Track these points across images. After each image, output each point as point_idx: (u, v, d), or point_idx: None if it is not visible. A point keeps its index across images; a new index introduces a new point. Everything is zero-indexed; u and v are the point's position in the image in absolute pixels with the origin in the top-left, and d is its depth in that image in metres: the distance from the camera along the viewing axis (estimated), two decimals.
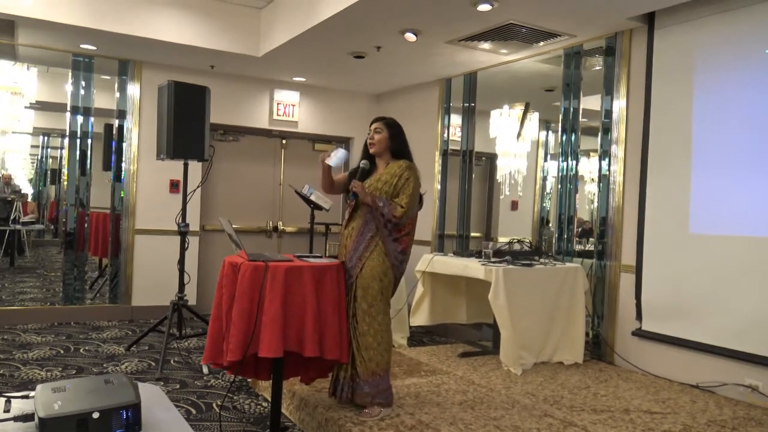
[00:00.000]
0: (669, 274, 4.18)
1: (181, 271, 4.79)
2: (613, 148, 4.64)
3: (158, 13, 5.36)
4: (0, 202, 6.54)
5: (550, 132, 5.81)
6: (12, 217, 6.54)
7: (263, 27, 5.71)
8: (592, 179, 5.04)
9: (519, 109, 5.74)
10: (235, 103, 6.66)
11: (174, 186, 6.24)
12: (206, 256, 6.54)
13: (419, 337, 5.60)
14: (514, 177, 5.73)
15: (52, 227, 7.26)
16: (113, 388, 1.47)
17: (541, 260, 4.72)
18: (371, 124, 3.43)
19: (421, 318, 4.95)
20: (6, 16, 4.87)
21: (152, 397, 1.65)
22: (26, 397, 1.56)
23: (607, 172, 4.68)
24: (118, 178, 6.18)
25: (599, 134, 4.76)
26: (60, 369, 4.31)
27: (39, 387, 1.47)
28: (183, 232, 4.77)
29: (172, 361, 4.61)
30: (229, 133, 6.83)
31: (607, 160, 4.70)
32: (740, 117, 3.86)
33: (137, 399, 1.43)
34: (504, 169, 5.79)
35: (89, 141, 6.04)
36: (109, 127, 6.19)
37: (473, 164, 6.12)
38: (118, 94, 6.13)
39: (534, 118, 5.77)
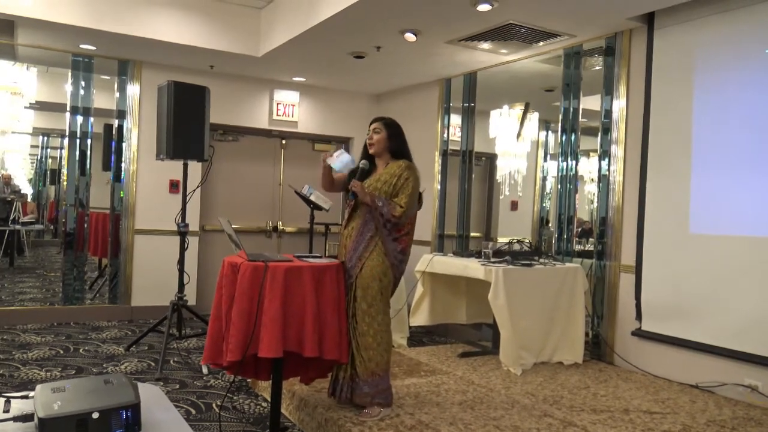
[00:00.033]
0: (669, 274, 4.18)
1: (181, 272, 4.79)
2: (613, 148, 4.64)
3: (158, 13, 5.36)
4: (0, 202, 6.54)
5: (549, 132, 5.81)
6: (11, 218, 6.54)
7: (263, 27, 5.71)
8: (592, 179, 5.04)
9: (519, 109, 5.74)
10: (235, 103, 6.66)
11: (174, 186, 6.24)
12: (206, 256, 6.54)
13: (419, 337, 5.60)
14: (513, 177, 5.73)
15: (52, 227, 7.26)
16: (113, 388, 1.47)
17: (541, 260, 4.72)
18: (370, 124, 3.43)
19: (420, 318, 4.95)
20: (6, 16, 4.87)
21: (152, 398, 1.64)
22: (26, 397, 1.55)
23: (607, 172, 4.68)
24: (117, 178, 6.18)
25: (599, 134, 4.76)
26: (59, 369, 4.31)
27: (38, 387, 1.47)
28: (183, 233, 4.77)
29: (171, 362, 4.61)
30: (229, 133, 6.83)
31: (606, 160, 4.70)
32: (740, 117, 3.86)
33: (137, 399, 1.43)
34: (504, 169, 5.79)
35: (89, 141, 6.04)
36: (108, 127, 6.19)
37: (473, 164, 6.12)
38: (117, 94, 6.13)
39: (534, 118, 5.77)
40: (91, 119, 6.03)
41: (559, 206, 5.16)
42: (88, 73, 5.99)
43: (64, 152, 6.16)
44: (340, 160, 3.29)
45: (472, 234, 6.15)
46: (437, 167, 6.34)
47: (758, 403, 3.63)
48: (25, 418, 1.42)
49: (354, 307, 3.19)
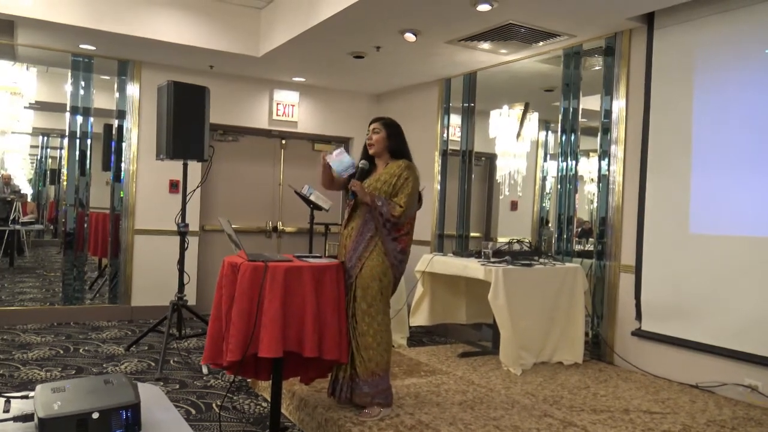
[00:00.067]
0: (669, 274, 4.18)
1: (181, 272, 4.79)
2: (613, 148, 4.64)
3: (157, 13, 5.36)
4: (0, 202, 6.53)
5: (549, 132, 5.81)
6: (11, 218, 6.53)
7: (263, 27, 5.71)
8: (592, 179, 5.04)
9: (518, 109, 5.74)
10: (235, 104, 6.66)
11: (173, 186, 6.24)
12: (206, 256, 6.54)
13: (419, 337, 5.60)
14: (513, 177, 5.73)
15: (52, 227, 7.25)
16: (113, 388, 1.47)
17: (541, 260, 4.72)
18: (370, 124, 3.43)
19: (420, 318, 4.95)
20: (5, 16, 4.87)
21: (152, 398, 1.64)
22: (26, 397, 1.55)
23: (607, 172, 4.68)
24: (117, 178, 6.18)
25: (599, 134, 4.76)
26: (59, 369, 4.31)
27: (38, 387, 1.47)
28: (182, 233, 4.77)
29: (171, 362, 4.61)
30: (229, 134, 6.83)
31: (606, 160, 4.70)
32: (740, 117, 3.86)
33: (137, 399, 1.43)
34: (503, 169, 5.79)
35: (89, 141, 6.04)
36: (108, 128, 6.19)
37: (473, 164, 6.11)
38: (117, 95, 6.13)
39: (533, 118, 5.77)
40: (91, 119, 6.04)
41: (558, 206, 5.16)
42: (88, 73, 6.00)
43: (64, 152, 6.16)
44: (340, 161, 3.28)
45: (471, 234, 6.14)
46: (437, 167, 6.34)
47: (758, 403, 3.63)
48: (25, 418, 1.42)
49: (354, 307, 3.19)
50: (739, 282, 3.78)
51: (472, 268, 4.42)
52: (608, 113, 4.70)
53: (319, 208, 5.39)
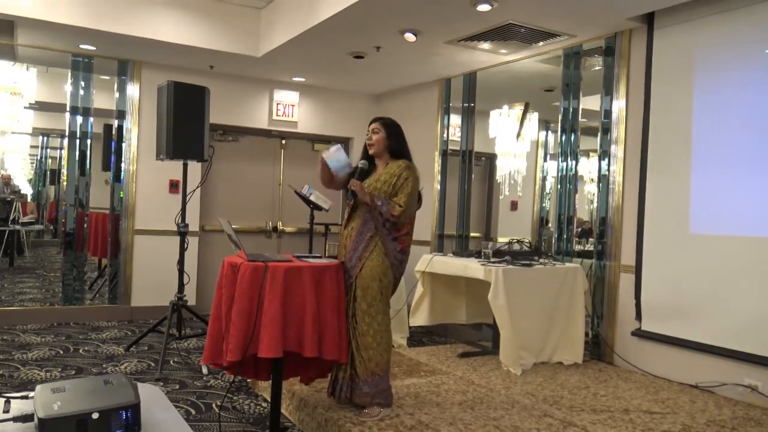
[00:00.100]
0: (669, 274, 4.18)
1: (181, 272, 4.79)
2: (613, 148, 4.64)
3: (157, 13, 5.36)
4: (0, 203, 6.53)
5: (549, 132, 5.81)
6: (11, 218, 6.53)
7: (263, 27, 5.71)
8: (592, 179, 5.04)
9: (518, 109, 5.74)
10: (235, 104, 6.66)
11: (173, 186, 6.24)
12: (206, 256, 6.54)
13: (419, 337, 5.60)
14: (513, 177, 5.73)
15: (52, 227, 7.25)
16: (113, 388, 1.47)
17: (541, 260, 4.72)
18: (369, 124, 3.43)
19: (420, 318, 4.95)
20: (5, 16, 4.87)
21: (152, 398, 1.64)
22: (26, 397, 1.55)
23: (607, 172, 4.68)
24: (117, 178, 6.18)
25: (599, 134, 4.76)
26: (59, 369, 4.31)
27: (38, 387, 1.46)
28: (182, 233, 4.77)
29: (171, 362, 4.61)
30: (229, 134, 6.83)
31: (606, 160, 4.70)
32: (740, 117, 3.86)
33: (137, 399, 1.43)
34: (503, 169, 5.79)
35: (89, 141, 6.04)
36: (108, 128, 6.19)
37: (473, 164, 6.11)
38: (117, 95, 6.13)
39: (533, 118, 5.77)
40: (91, 119, 6.03)
41: (558, 206, 5.16)
42: (88, 73, 5.99)
43: (64, 152, 6.16)
44: (336, 159, 3.27)
45: (471, 234, 6.14)
46: (437, 167, 6.34)
47: (758, 403, 3.63)
48: (25, 418, 1.42)
49: (354, 307, 3.19)
50: (739, 282, 3.78)
51: (472, 268, 4.42)
52: (608, 113, 4.70)
53: (319, 208, 5.38)
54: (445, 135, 6.31)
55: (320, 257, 3.37)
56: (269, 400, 3.33)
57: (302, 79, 6.77)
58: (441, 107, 6.34)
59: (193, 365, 4.56)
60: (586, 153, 5.07)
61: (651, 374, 4.24)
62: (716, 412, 3.50)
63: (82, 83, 5.96)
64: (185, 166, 4.79)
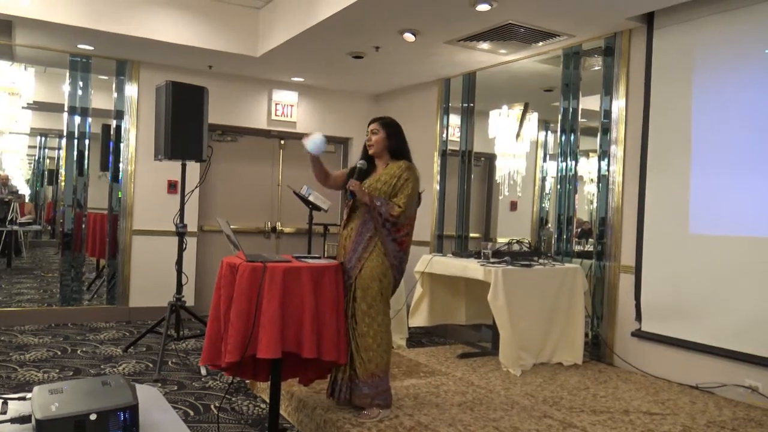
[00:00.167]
0: (669, 274, 4.17)
1: (179, 272, 4.77)
2: (613, 148, 4.64)
3: (156, 13, 5.34)
4: None
5: (549, 132, 5.81)
6: (9, 218, 6.51)
7: (261, 27, 5.70)
8: (592, 179, 5.03)
9: (518, 109, 5.73)
10: (234, 104, 6.65)
11: (172, 186, 6.23)
12: (204, 256, 6.52)
13: (418, 337, 5.59)
14: (513, 177, 5.72)
15: (50, 228, 7.23)
16: (111, 389, 1.46)
17: (541, 261, 4.71)
18: (368, 125, 3.42)
19: (420, 319, 4.94)
20: (3, 16, 4.86)
21: (150, 399, 1.63)
22: (23, 398, 1.54)
23: (607, 173, 4.67)
24: (115, 178, 6.16)
25: (598, 134, 4.75)
26: (57, 370, 4.29)
27: (36, 389, 1.45)
28: (181, 233, 4.76)
29: (169, 363, 4.59)
30: (228, 134, 6.82)
31: (606, 160, 4.69)
32: (740, 117, 3.86)
33: (135, 400, 1.42)
34: (503, 169, 5.78)
35: (87, 141, 6.02)
36: (106, 128, 6.18)
37: (472, 164, 6.11)
38: (115, 95, 6.11)
39: (533, 118, 5.76)
40: (89, 119, 6.02)
41: (558, 206, 5.15)
42: (86, 73, 5.98)
43: (62, 153, 6.14)
44: (312, 141, 3.25)
45: (471, 234, 6.14)
46: (436, 167, 6.33)
47: (758, 404, 3.63)
48: (23, 419, 1.41)
49: (354, 308, 3.18)
50: (739, 282, 3.77)
51: (471, 268, 4.42)
52: (608, 113, 4.69)
53: (317, 208, 5.38)
54: (444, 135, 6.30)
55: (319, 258, 3.36)
56: (268, 401, 3.32)
57: (301, 79, 6.76)
58: (440, 107, 6.33)
59: (191, 366, 4.54)
60: (586, 153, 5.07)
61: (651, 375, 4.23)
62: (716, 413, 3.49)
63: (81, 83, 5.95)
64: (184, 166, 4.78)
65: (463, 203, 6.14)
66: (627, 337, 4.43)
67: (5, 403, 1.51)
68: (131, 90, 6.12)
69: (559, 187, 5.16)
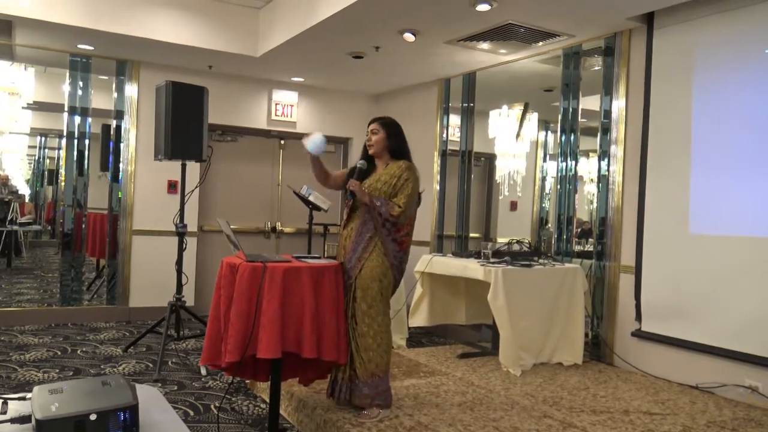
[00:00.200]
0: (669, 274, 4.17)
1: (179, 272, 4.77)
2: (613, 148, 4.64)
3: (156, 13, 5.34)
4: None
5: (549, 132, 5.80)
6: (9, 218, 6.51)
7: (261, 27, 5.70)
8: (592, 179, 5.03)
9: (518, 109, 5.73)
10: (234, 104, 6.65)
11: (172, 186, 6.23)
12: (204, 256, 6.52)
13: (418, 337, 5.59)
14: (513, 177, 5.72)
15: (50, 228, 7.23)
16: (111, 389, 1.45)
17: (541, 261, 4.71)
18: (368, 125, 3.42)
19: (420, 319, 4.94)
20: (3, 16, 4.85)
21: (150, 399, 1.63)
22: (23, 398, 1.54)
23: (607, 173, 4.67)
24: (115, 178, 6.16)
25: (598, 134, 4.75)
26: (57, 370, 4.29)
27: (36, 389, 1.45)
28: (181, 233, 4.75)
29: (169, 363, 4.59)
30: (228, 134, 6.82)
31: (606, 160, 4.69)
32: (740, 117, 3.86)
33: (135, 400, 1.41)
34: (503, 169, 5.78)
35: (87, 141, 6.02)
36: (106, 128, 6.18)
37: (472, 164, 6.11)
38: (115, 95, 6.11)
39: (533, 118, 5.76)
40: (89, 119, 6.02)
41: (558, 206, 5.15)
42: (86, 73, 5.98)
43: (62, 153, 6.14)
44: (312, 141, 3.25)
45: (471, 234, 6.13)
46: (436, 167, 6.33)
47: (759, 404, 3.62)
48: (23, 419, 1.40)
49: (354, 308, 3.18)
50: (739, 282, 3.77)
51: (471, 268, 4.41)
52: (608, 113, 4.69)
53: (317, 208, 5.37)
54: (444, 135, 6.30)
55: (319, 258, 3.36)
56: (268, 401, 3.32)
57: (301, 79, 6.76)
58: (440, 107, 6.33)
59: (191, 366, 4.54)
60: (586, 153, 5.06)
61: (651, 375, 4.23)
62: (717, 413, 3.49)
63: (81, 83, 5.95)
64: (184, 166, 4.78)
65: (463, 203, 6.14)
66: (627, 337, 4.43)
67: (5, 403, 1.50)
68: (131, 90, 6.11)
69: (559, 187, 5.15)
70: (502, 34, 4.72)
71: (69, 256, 6.04)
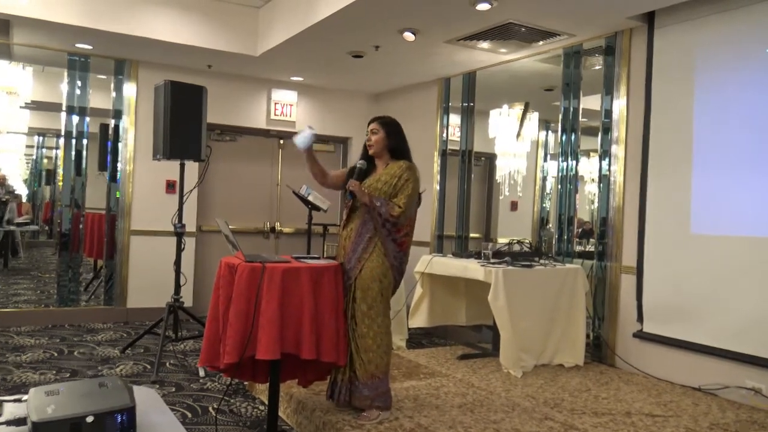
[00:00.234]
0: (670, 274, 4.16)
1: (177, 273, 4.75)
2: (614, 148, 4.62)
3: (155, 12, 5.32)
4: None
5: (549, 132, 5.79)
6: (6, 218, 6.49)
7: (261, 26, 5.68)
8: (592, 179, 5.02)
9: (518, 108, 5.72)
10: (233, 103, 6.63)
11: (170, 186, 6.21)
12: (203, 257, 6.50)
13: (418, 339, 5.57)
14: (513, 177, 5.71)
15: (47, 228, 7.20)
16: (108, 391, 1.44)
17: (541, 261, 4.69)
18: (368, 124, 3.40)
19: (420, 320, 4.92)
20: (1, 15, 4.84)
21: (147, 401, 1.62)
22: (19, 400, 1.52)
23: (608, 172, 4.66)
24: (113, 178, 6.14)
25: (599, 134, 4.74)
26: (54, 372, 4.26)
27: (32, 390, 1.44)
28: (179, 233, 4.73)
29: (167, 364, 4.57)
30: (227, 133, 6.80)
31: (607, 160, 4.68)
32: (740, 117, 3.85)
33: (132, 402, 1.40)
34: (503, 169, 5.76)
35: (85, 141, 6.00)
36: (104, 127, 6.15)
37: (472, 164, 6.09)
38: (114, 94, 6.09)
39: (533, 117, 5.75)
40: (87, 119, 5.99)
41: (559, 206, 5.13)
42: (85, 72, 5.96)
43: (60, 152, 6.12)
44: (301, 136, 3.23)
45: (471, 235, 6.12)
46: (436, 167, 6.31)
47: (761, 405, 3.61)
48: (18, 422, 1.39)
49: (353, 309, 3.16)
50: (740, 282, 3.76)
51: (471, 269, 4.40)
52: (609, 113, 4.68)
53: (317, 208, 5.36)
54: (444, 135, 6.29)
55: (318, 258, 3.34)
56: (267, 402, 3.30)
57: (300, 79, 6.74)
58: (440, 107, 6.32)
59: (189, 368, 4.52)
60: (587, 153, 5.05)
61: (653, 376, 4.21)
62: (719, 415, 3.47)
63: (79, 82, 5.93)
64: (182, 166, 4.76)
65: (463, 203, 6.12)
66: (628, 338, 4.41)
67: (1, 405, 1.49)
68: (130, 89, 6.09)
69: (559, 186, 5.14)
70: (502, 33, 4.70)
71: (66, 256, 6.01)
